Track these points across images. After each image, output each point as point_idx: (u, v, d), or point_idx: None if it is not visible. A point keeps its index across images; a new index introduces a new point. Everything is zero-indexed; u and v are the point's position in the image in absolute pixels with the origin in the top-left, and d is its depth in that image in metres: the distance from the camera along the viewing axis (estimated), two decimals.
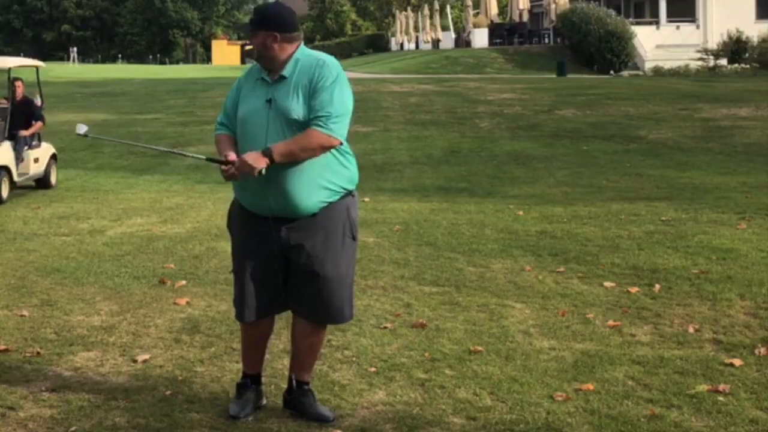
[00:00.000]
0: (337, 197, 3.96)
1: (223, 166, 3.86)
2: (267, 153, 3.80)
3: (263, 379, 4.25)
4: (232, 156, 3.87)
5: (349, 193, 4.01)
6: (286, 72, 3.92)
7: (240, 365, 4.35)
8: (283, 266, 3.99)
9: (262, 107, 3.91)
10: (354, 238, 4.04)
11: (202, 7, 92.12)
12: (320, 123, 3.82)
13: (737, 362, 4.73)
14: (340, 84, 3.90)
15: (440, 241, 7.82)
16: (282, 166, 3.83)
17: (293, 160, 3.83)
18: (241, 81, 4.10)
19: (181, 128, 17.51)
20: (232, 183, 4.01)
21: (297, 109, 3.86)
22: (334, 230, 3.96)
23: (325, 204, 3.92)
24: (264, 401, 4.18)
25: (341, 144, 3.89)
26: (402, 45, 54.44)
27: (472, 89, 23.53)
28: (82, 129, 4.29)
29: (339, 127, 3.85)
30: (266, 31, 3.95)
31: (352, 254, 4.06)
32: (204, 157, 4.19)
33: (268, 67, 3.96)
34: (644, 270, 6.72)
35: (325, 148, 3.85)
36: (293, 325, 4.16)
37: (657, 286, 6.25)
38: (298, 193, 3.87)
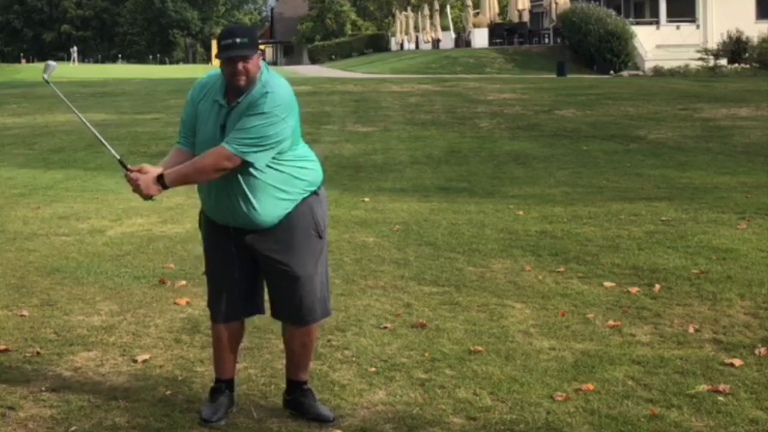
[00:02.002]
0: (299, 202, 3.96)
1: (125, 172, 3.92)
2: (160, 180, 3.84)
3: (235, 386, 4.27)
4: (136, 168, 3.90)
5: (313, 192, 4.01)
6: (241, 98, 3.84)
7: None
8: (252, 270, 4.05)
9: (216, 133, 3.87)
10: (320, 236, 4.03)
11: (202, 7, 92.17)
12: (228, 140, 3.78)
13: (737, 362, 4.73)
14: (273, 115, 3.79)
15: (440, 241, 7.82)
16: (237, 185, 3.84)
17: (190, 184, 3.90)
18: (196, 97, 3.99)
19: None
20: (196, 187, 4.04)
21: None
22: (299, 231, 3.96)
23: (287, 212, 3.94)
24: (234, 408, 4.17)
25: (246, 168, 3.81)
26: (402, 45, 54.44)
27: (472, 89, 23.52)
28: (50, 69, 4.27)
29: (249, 150, 3.77)
30: (258, 50, 3.88)
31: (319, 252, 4.04)
32: (118, 156, 4.16)
33: (241, 92, 3.84)
34: (644, 270, 6.72)
35: (222, 169, 3.78)
36: (283, 329, 4.19)
37: (657, 286, 6.25)
38: (257, 212, 3.89)
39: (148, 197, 3.91)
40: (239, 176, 3.84)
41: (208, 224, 4.12)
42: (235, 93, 3.86)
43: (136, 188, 3.90)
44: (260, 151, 3.79)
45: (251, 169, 3.83)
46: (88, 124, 4.24)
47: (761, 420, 4.04)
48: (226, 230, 4.00)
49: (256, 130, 3.77)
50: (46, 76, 4.30)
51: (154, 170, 3.89)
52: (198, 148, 3.95)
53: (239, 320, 4.19)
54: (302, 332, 4.12)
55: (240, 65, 3.78)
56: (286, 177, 3.90)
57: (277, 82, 3.88)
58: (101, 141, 4.20)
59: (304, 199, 3.97)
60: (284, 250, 3.95)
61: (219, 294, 4.11)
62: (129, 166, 3.94)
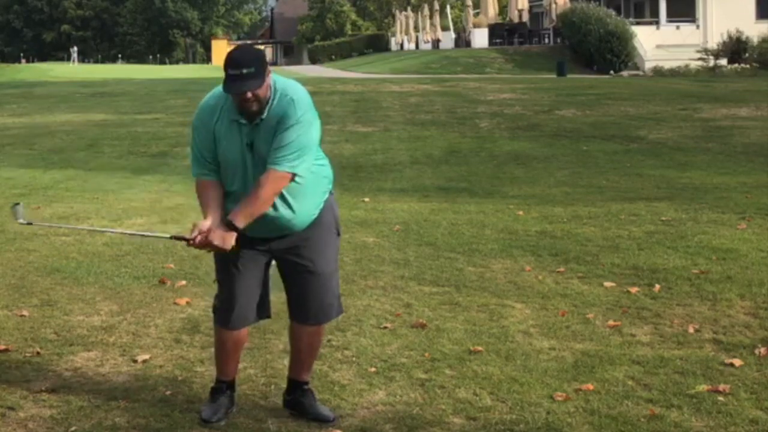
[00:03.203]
0: (324, 204, 4.00)
1: (189, 243, 3.80)
2: (230, 226, 3.75)
3: (236, 386, 4.26)
4: (195, 234, 3.77)
5: (330, 191, 4.06)
6: (264, 114, 3.79)
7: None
8: (265, 275, 4.04)
9: (244, 152, 3.81)
10: (339, 234, 4.11)
11: (202, 7, 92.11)
12: (276, 161, 3.74)
13: (737, 362, 4.73)
14: (305, 121, 3.78)
15: (440, 241, 7.82)
16: (279, 196, 3.80)
17: (257, 216, 3.78)
18: (208, 122, 3.87)
19: (181, 128, 17.48)
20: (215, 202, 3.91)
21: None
22: (324, 230, 4.01)
23: (319, 211, 3.97)
24: (234, 408, 4.16)
25: (294, 177, 3.79)
26: (402, 45, 54.41)
27: (472, 89, 23.52)
28: (19, 213, 4.12)
29: (297, 162, 3.76)
30: (267, 74, 3.75)
31: (338, 249, 4.14)
32: (168, 235, 4.10)
33: (258, 113, 3.78)
34: (644, 270, 6.72)
35: (279, 189, 3.78)
36: (291, 328, 4.18)
37: (657, 286, 6.25)
38: (296, 216, 3.91)
39: (229, 249, 3.81)
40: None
41: None
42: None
43: (214, 249, 3.82)
44: (305, 159, 3.79)
45: (294, 179, 3.81)
46: (110, 231, 4.18)
47: (761, 420, 4.04)
48: (250, 240, 3.92)
49: (298, 142, 3.75)
50: (21, 220, 4.18)
51: (211, 221, 3.79)
52: (227, 170, 3.85)
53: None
54: (313, 332, 4.12)
55: (249, 95, 3.72)
56: (315, 177, 3.93)
57: (293, 86, 3.87)
58: (143, 235, 4.14)
59: (325, 201, 4.02)
60: (312, 249, 3.97)
61: (233, 302, 4.04)
62: (187, 236, 3.84)
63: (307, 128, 3.79)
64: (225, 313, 4.08)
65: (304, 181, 3.85)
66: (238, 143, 3.82)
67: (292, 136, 3.74)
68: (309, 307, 4.05)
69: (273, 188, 3.76)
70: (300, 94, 3.84)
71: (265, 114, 3.78)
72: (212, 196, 3.87)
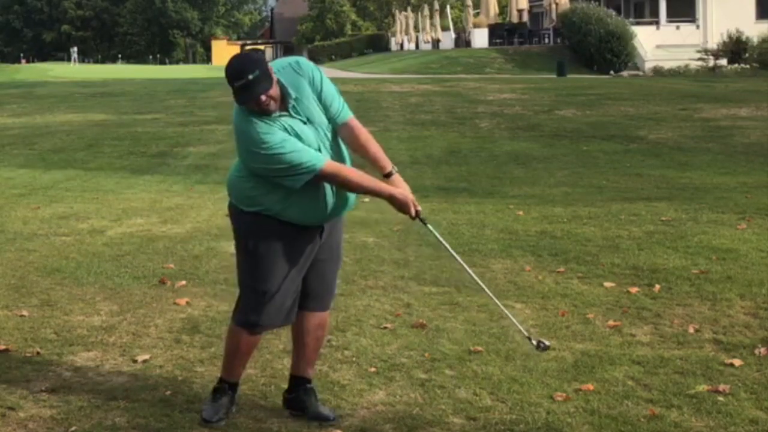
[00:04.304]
0: None
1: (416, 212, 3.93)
2: (390, 175, 3.94)
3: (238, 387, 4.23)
4: (411, 206, 3.94)
5: None
6: (292, 93, 3.77)
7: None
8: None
9: (313, 129, 3.82)
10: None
11: (202, 7, 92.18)
12: (344, 112, 3.93)
13: (737, 362, 4.73)
14: (322, 72, 3.94)
15: None
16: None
17: None
18: (275, 127, 3.72)
19: (181, 128, 17.49)
20: (270, 201, 3.84)
21: (322, 114, 3.87)
22: (338, 218, 4.11)
23: None
24: (235, 408, 4.15)
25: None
26: (402, 45, 54.44)
27: (472, 89, 23.53)
28: None
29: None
30: (271, 78, 3.71)
31: None
32: (416, 218, 4.10)
33: (280, 102, 3.75)
34: (644, 270, 6.72)
35: None
36: (300, 322, 4.11)
37: (657, 286, 6.25)
38: (352, 197, 4.03)
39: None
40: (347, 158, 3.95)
41: (287, 236, 3.87)
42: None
43: (410, 205, 3.97)
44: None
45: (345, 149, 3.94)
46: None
47: (761, 420, 4.04)
48: (313, 231, 3.90)
49: (335, 89, 3.93)
50: None
51: (395, 186, 3.95)
52: (321, 147, 3.83)
53: None
54: (320, 324, 4.14)
55: (264, 98, 3.67)
56: None
57: (281, 59, 3.93)
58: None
59: None
60: (337, 237, 4.11)
61: (280, 308, 3.92)
62: (412, 214, 3.97)
63: (326, 77, 3.92)
64: (265, 317, 3.92)
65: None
66: (304, 125, 3.79)
67: (332, 85, 3.90)
68: (326, 293, 4.12)
69: (366, 130, 3.99)
70: (295, 58, 3.93)
71: (292, 93, 3.76)
72: (353, 168, 3.92)
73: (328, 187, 3.85)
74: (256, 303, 3.92)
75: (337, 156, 3.89)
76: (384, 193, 3.88)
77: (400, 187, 3.91)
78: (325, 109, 3.86)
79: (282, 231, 3.86)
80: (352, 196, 3.98)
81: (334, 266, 4.12)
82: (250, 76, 3.62)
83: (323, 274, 4.06)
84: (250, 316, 3.95)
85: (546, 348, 4.09)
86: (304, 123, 3.79)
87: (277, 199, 3.82)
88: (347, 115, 3.92)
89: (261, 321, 3.93)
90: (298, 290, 3.98)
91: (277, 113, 3.74)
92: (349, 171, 3.85)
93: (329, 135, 3.88)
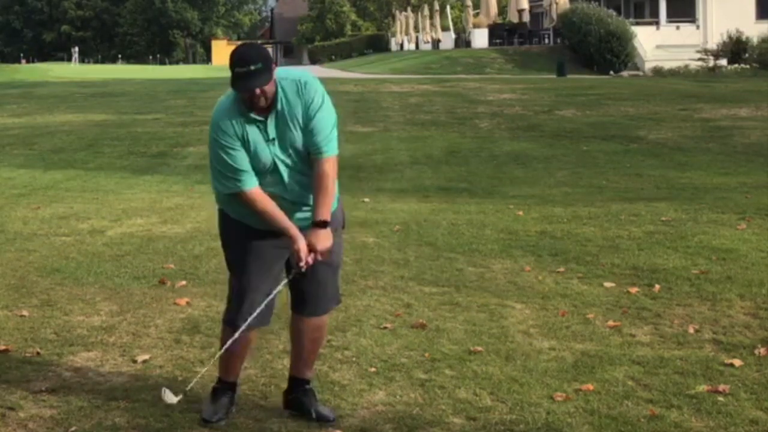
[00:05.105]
0: (339, 196, 4.07)
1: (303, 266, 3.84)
2: (324, 225, 3.82)
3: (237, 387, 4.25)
4: (304, 252, 3.81)
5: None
6: (278, 105, 3.80)
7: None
8: (280, 274, 4.06)
9: (269, 149, 3.83)
10: (344, 227, 4.22)
11: (202, 7, 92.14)
12: (326, 147, 3.84)
13: (737, 362, 4.73)
14: (326, 100, 3.88)
15: (440, 241, 7.82)
16: (305, 191, 3.88)
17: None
18: (238, 130, 3.81)
19: (181, 128, 17.49)
20: (224, 201, 3.99)
21: (299, 139, 3.85)
22: (338, 222, 4.07)
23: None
24: (234, 408, 4.15)
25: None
26: (402, 45, 54.43)
27: (472, 89, 23.53)
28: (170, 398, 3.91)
29: (336, 143, 3.89)
30: (271, 75, 3.75)
31: (343, 242, 4.25)
32: (287, 280, 4.03)
33: (269, 107, 3.80)
34: (644, 270, 6.72)
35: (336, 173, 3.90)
36: (296, 324, 4.16)
37: (657, 286, 6.25)
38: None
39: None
40: (309, 173, 3.90)
41: (250, 234, 3.96)
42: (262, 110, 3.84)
43: (324, 253, 3.86)
44: (336, 136, 3.91)
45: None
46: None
47: (761, 420, 4.04)
48: (275, 235, 3.91)
49: (328, 122, 3.86)
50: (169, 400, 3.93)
51: (296, 232, 3.83)
52: (262, 173, 3.84)
53: None
54: (317, 326, 4.14)
55: (258, 91, 3.73)
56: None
57: (294, 71, 3.93)
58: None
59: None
60: (336, 238, 4.05)
61: (253, 304, 3.96)
62: (302, 266, 3.85)
63: (330, 106, 3.90)
64: (241, 315, 3.99)
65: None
66: (263, 142, 3.83)
67: (321, 119, 3.83)
68: (320, 298, 4.09)
69: (334, 173, 3.87)
70: (307, 76, 3.90)
71: (279, 105, 3.80)
72: (273, 205, 3.86)
73: (288, 190, 3.90)
74: (233, 299, 4.06)
75: (301, 178, 3.90)
76: (288, 233, 3.86)
77: (313, 239, 3.82)
78: (306, 136, 3.84)
79: (247, 230, 3.97)
80: (300, 215, 3.93)
81: (329, 270, 4.05)
82: (253, 67, 3.68)
83: (316, 277, 4.02)
84: (229, 313, 4.07)
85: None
86: (267, 141, 3.83)
87: (228, 201, 3.97)
88: (322, 155, 3.83)
89: (237, 319, 3.99)
90: (273, 292, 3.99)
91: (257, 116, 3.81)
92: (265, 204, 3.85)
93: (294, 155, 3.86)
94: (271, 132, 3.83)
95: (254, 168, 3.84)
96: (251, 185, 3.84)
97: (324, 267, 4.01)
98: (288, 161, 3.86)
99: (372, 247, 7.57)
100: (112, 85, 29.84)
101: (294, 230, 3.85)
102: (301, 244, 3.83)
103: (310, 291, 4.07)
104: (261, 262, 3.98)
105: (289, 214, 3.90)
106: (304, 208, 3.93)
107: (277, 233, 3.90)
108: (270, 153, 3.84)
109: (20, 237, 8.17)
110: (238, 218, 3.98)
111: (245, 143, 3.81)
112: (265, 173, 3.86)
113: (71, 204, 10.05)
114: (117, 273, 6.75)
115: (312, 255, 3.84)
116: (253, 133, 3.82)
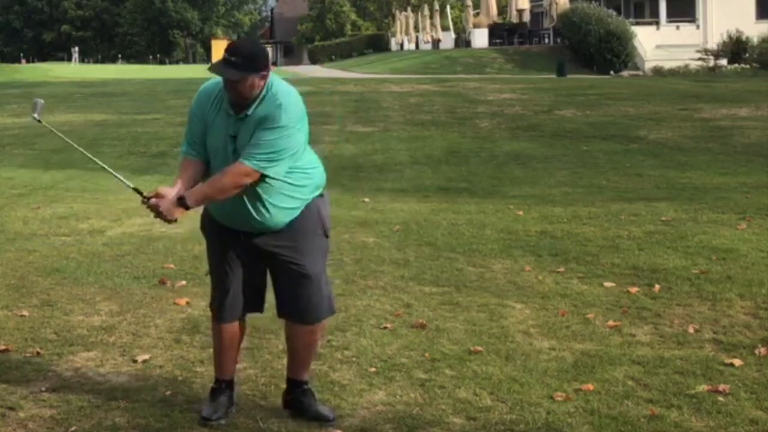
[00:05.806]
0: (308, 203, 4.01)
1: (143, 200, 3.89)
2: (182, 202, 3.82)
3: (235, 386, 4.26)
4: (152, 194, 3.86)
5: (319, 194, 4.06)
6: (250, 110, 3.83)
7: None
8: (257, 270, 4.08)
9: (227, 142, 3.88)
10: (326, 236, 4.11)
11: (202, 7, 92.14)
12: (247, 156, 3.79)
13: (737, 362, 4.73)
14: (289, 129, 3.81)
15: (440, 241, 7.82)
16: (252, 194, 3.86)
17: (212, 202, 3.88)
18: (204, 106, 3.93)
19: (181, 128, 17.44)
20: None
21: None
22: (309, 231, 4.02)
23: (297, 213, 3.98)
24: (234, 408, 4.16)
25: (262, 177, 3.82)
26: (402, 45, 54.44)
27: (472, 89, 23.53)
28: (38, 107, 4.14)
29: (267, 164, 3.79)
30: (256, 73, 3.78)
31: (326, 250, 4.15)
32: (132, 185, 4.09)
33: (241, 106, 3.83)
34: (644, 270, 6.72)
35: (242, 185, 3.80)
36: (288, 329, 4.18)
37: (657, 286, 6.25)
38: (270, 217, 3.93)
39: (172, 221, 3.90)
40: (254, 186, 3.86)
41: (214, 226, 4.10)
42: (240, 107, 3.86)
43: (158, 214, 3.86)
44: (277, 164, 3.81)
45: (266, 179, 3.84)
46: (95, 160, 4.18)
47: (761, 420, 4.04)
48: (235, 232, 4.01)
49: (272, 144, 3.78)
50: (36, 115, 4.16)
51: (171, 192, 3.86)
52: (212, 155, 3.94)
53: (241, 320, 4.20)
54: (307, 331, 4.13)
55: (229, 84, 3.79)
56: (295, 185, 3.93)
57: (287, 92, 3.88)
58: (112, 173, 4.14)
59: (312, 200, 4.02)
60: (296, 250, 3.99)
61: (224, 295, 4.09)
62: (145, 194, 3.90)
63: (288, 133, 3.81)
64: (217, 306, 4.14)
65: (277, 185, 3.87)
66: (223, 132, 3.89)
67: (269, 137, 3.78)
68: (298, 306, 4.06)
69: (234, 180, 3.80)
70: (291, 101, 3.85)
71: (251, 111, 3.83)
72: (188, 172, 3.96)
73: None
74: (212, 290, 4.18)
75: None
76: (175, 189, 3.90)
77: (165, 201, 3.85)
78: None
79: (213, 222, 4.09)
80: (257, 219, 3.91)
81: (304, 280, 3.99)
82: (233, 58, 3.75)
83: (282, 285, 4.04)
84: (212, 304, 4.19)
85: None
86: (227, 134, 3.87)
87: None
88: (243, 159, 3.78)
89: (216, 309, 4.15)
90: (247, 282, 4.06)
91: (229, 109, 3.85)
92: (181, 172, 3.96)
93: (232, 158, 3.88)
94: (234, 129, 3.87)
95: (208, 147, 3.93)
96: (189, 155, 3.96)
97: (296, 275, 3.98)
98: (228, 159, 3.88)
99: (372, 247, 7.57)
100: (112, 85, 29.84)
101: (174, 188, 3.87)
102: (164, 191, 3.86)
103: (283, 297, 4.08)
104: (226, 254, 4.04)
105: (230, 211, 3.93)
106: (250, 211, 3.89)
107: (238, 231, 3.97)
108: (223, 143, 3.88)
109: (20, 237, 8.16)
110: (211, 211, 4.08)
111: (208, 122, 3.91)
112: (215, 158, 3.92)
113: (71, 204, 10.05)
114: (117, 273, 6.75)
115: (155, 198, 3.85)
116: (219, 118, 3.89)
